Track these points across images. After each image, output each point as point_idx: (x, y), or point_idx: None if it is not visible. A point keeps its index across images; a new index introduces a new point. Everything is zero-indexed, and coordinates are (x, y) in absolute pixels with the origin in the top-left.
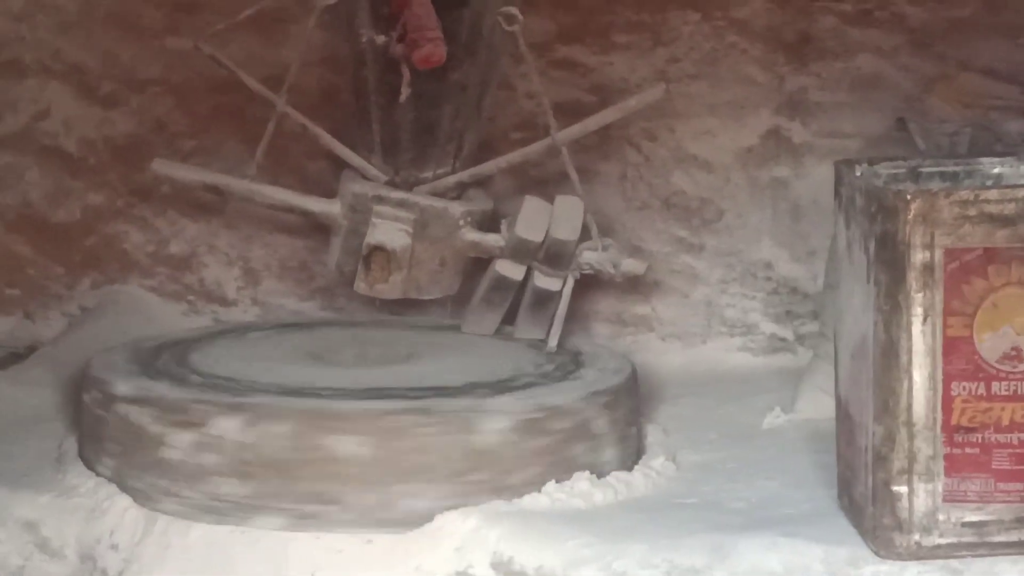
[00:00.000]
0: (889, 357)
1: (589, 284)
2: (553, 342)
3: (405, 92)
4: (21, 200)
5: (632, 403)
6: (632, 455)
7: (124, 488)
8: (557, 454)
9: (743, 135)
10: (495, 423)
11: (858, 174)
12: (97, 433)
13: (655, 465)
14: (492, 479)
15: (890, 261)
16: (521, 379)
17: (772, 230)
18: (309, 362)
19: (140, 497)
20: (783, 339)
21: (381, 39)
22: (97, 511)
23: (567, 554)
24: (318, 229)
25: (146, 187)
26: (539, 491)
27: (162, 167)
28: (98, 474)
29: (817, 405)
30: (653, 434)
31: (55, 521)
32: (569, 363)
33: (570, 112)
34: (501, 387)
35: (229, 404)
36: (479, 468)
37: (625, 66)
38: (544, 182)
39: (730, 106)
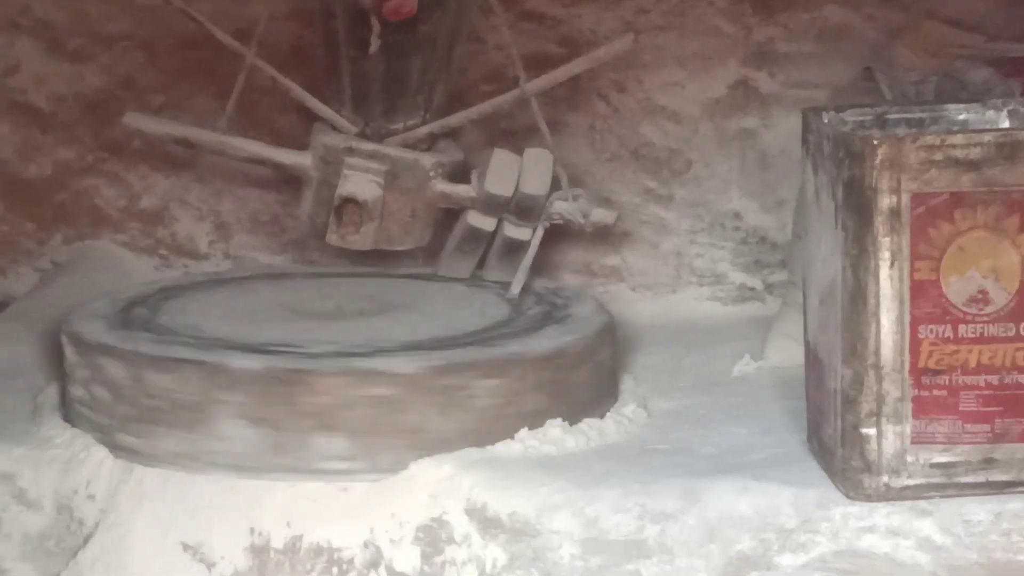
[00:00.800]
0: (857, 301)
1: (559, 235)
2: (516, 289)
3: (375, 44)
4: None
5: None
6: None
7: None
8: None
9: (711, 86)
10: None
11: (825, 121)
12: None
13: (627, 412)
14: None
15: (857, 206)
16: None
17: (740, 180)
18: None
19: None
20: (752, 288)
21: None
22: (73, 462)
23: (540, 500)
24: (289, 182)
25: (117, 142)
26: (512, 439)
27: (133, 120)
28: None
29: (786, 352)
30: (624, 382)
31: (31, 472)
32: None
33: (539, 64)
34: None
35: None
36: None
37: (593, 18)
38: (514, 134)
39: (698, 57)
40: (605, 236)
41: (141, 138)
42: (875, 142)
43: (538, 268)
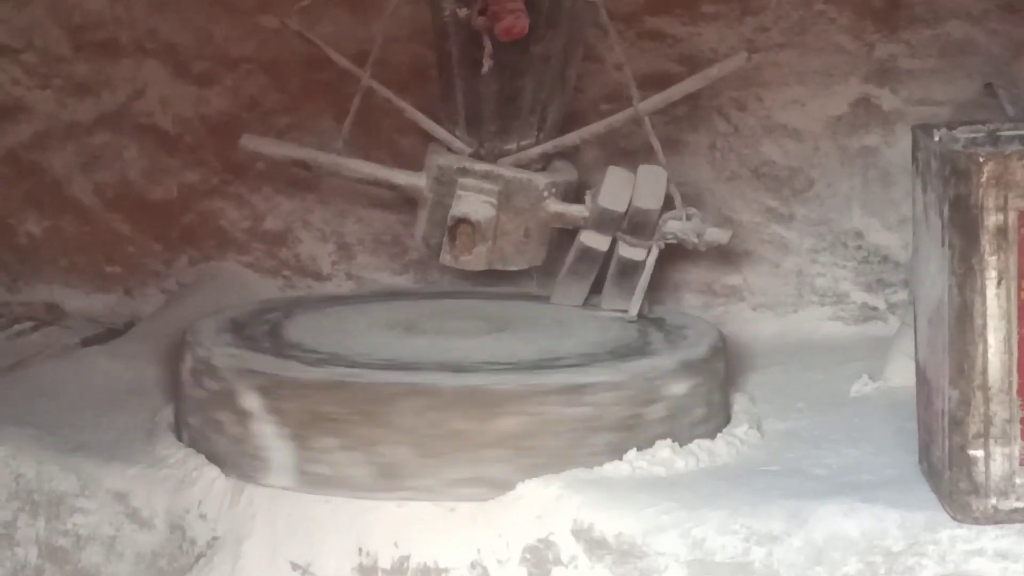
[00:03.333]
0: (963, 320)
1: (678, 255)
2: (633, 311)
3: (487, 64)
4: (119, 178)
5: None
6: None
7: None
8: None
9: (832, 103)
10: None
11: (936, 139)
12: None
13: (739, 433)
14: None
15: (963, 224)
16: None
17: (862, 199)
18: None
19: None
20: (874, 308)
21: (463, 12)
22: (186, 481)
23: (647, 521)
24: (410, 203)
25: (241, 164)
26: (620, 459)
27: (250, 143)
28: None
29: (905, 373)
30: (739, 403)
31: (145, 492)
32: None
33: (659, 83)
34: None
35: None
36: None
37: (713, 36)
38: (632, 153)
39: (819, 74)
40: (726, 255)
41: (264, 160)
42: (981, 159)
43: (657, 287)
